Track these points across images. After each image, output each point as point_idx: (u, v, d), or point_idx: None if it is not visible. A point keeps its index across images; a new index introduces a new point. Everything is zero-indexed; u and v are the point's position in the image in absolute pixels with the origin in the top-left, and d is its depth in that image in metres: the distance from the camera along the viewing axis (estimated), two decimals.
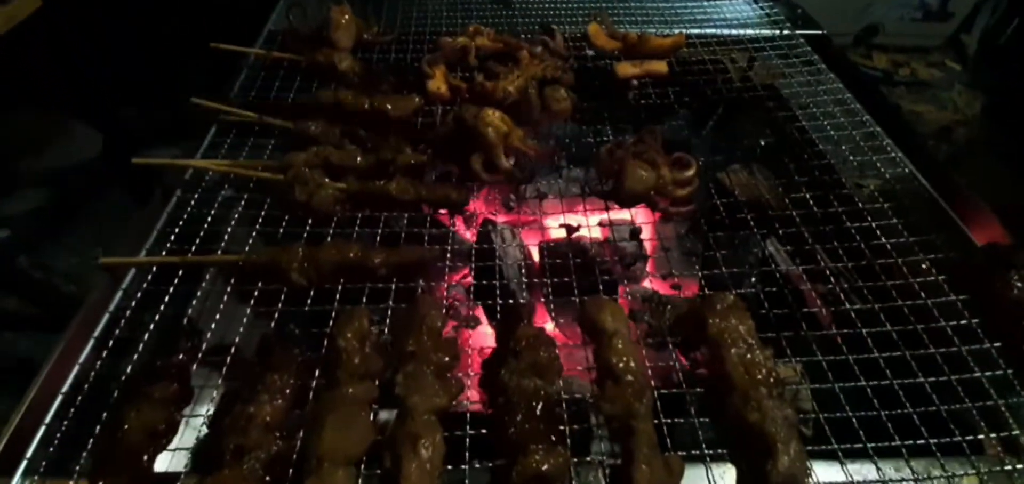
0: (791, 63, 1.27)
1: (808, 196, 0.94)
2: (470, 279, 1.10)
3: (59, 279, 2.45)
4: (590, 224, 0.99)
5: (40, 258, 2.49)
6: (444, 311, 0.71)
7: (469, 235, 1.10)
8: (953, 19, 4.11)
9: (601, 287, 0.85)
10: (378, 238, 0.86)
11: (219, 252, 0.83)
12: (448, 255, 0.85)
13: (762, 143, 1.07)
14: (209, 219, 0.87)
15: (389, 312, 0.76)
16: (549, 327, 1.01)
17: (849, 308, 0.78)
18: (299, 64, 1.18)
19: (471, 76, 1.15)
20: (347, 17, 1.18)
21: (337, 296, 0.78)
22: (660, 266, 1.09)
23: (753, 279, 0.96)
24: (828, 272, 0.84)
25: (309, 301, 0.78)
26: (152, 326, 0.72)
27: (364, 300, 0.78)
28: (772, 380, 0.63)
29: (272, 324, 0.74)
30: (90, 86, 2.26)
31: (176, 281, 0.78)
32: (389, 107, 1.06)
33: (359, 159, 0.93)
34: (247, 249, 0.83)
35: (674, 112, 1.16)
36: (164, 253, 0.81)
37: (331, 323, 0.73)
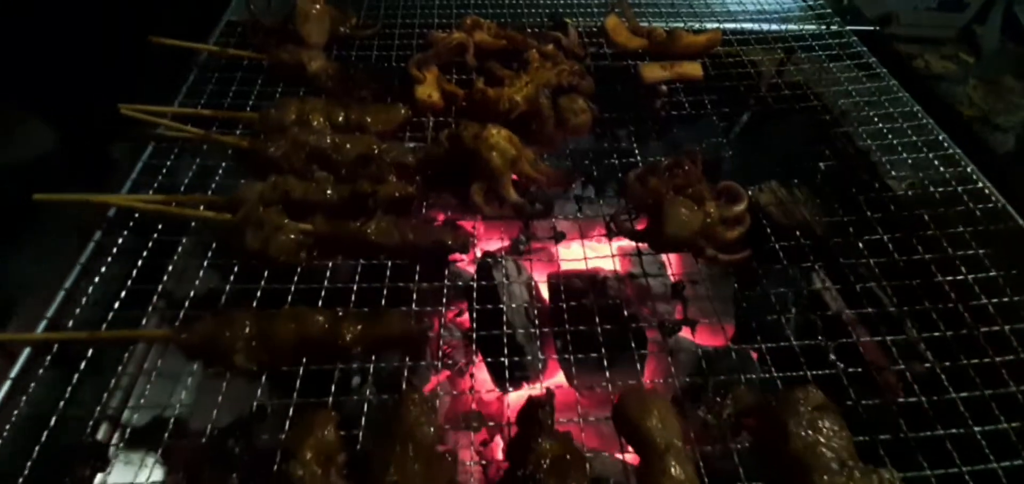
0: (844, 65, 1.08)
1: (884, 237, 0.76)
2: (466, 318, 0.93)
3: (14, 290, 2.23)
4: (611, 254, 0.81)
5: None
6: (435, 416, 0.53)
7: (466, 262, 0.91)
8: (968, 9, 3.93)
9: (634, 344, 0.68)
10: (353, 298, 0.68)
11: (145, 321, 0.64)
12: (443, 312, 0.66)
13: (822, 165, 0.89)
14: (136, 271, 0.68)
15: (365, 411, 0.58)
16: (560, 378, 0.85)
17: (955, 397, 0.61)
18: (261, 64, 0.97)
19: (469, 80, 0.96)
20: (319, 6, 0.98)
21: (297, 382, 0.60)
22: (686, 311, 0.91)
23: (790, 318, 0.79)
24: (921, 345, 0.67)
25: (264, 379, 0.59)
26: (46, 433, 0.54)
27: (333, 390, 0.59)
28: None
29: (210, 426, 0.56)
30: (39, 78, 2.02)
31: (84, 364, 0.59)
32: (369, 120, 0.87)
33: (329, 191, 0.73)
34: (182, 315, 0.64)
35: (713, 125, 0.97)
36: (71, 324, 0.62)
37: (288, 427, 0.55)
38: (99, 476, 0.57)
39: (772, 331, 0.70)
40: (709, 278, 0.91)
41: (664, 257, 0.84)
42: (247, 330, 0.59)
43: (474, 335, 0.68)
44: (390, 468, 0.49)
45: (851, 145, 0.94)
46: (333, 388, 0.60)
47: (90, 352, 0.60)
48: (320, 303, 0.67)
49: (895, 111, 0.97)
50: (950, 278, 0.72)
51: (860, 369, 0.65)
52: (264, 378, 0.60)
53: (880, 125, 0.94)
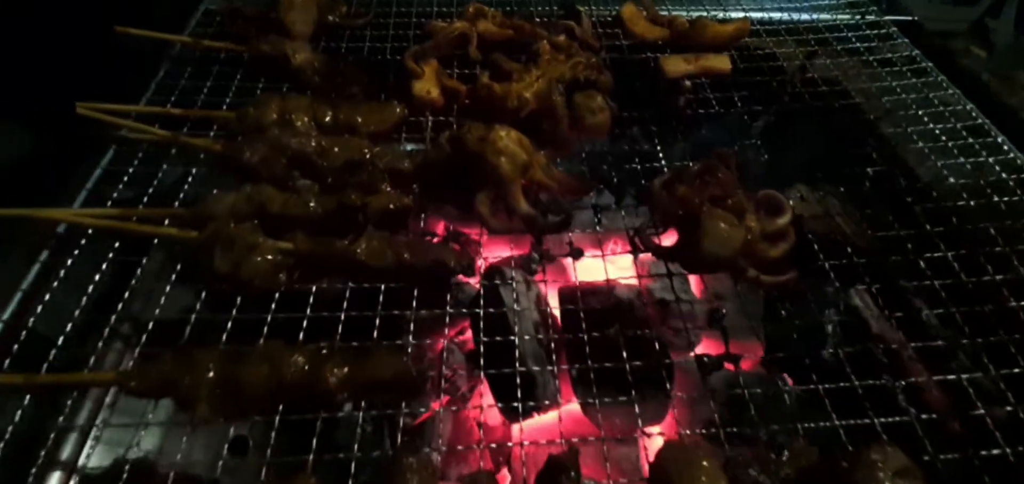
0: (884, 57, 0.98)
1: (948, 254, 0.67)
2: (469, 336, 0.84)
3: None
4: (631, 269, 0.72)
5: None
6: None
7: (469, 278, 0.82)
8: (982, 3, 3.83)
9: (664, 375, 0.58)
10: (339, 328, 0.58)
11: (92, 361, 0.54)
12: (445, 365, 0.57)
13: (870, 171, 0.79)
14: (85, 300, 0.58)
15: (353, 471, 0.48)
16: (574, 406, 0.75)
17: None
18: (241, 56, 0.87)
19: (473, 75, 0.86)
20: None
21: (272, 435, 0.50)
22: (727, 343, 0.81)
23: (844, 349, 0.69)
24: (1000, 385, 0.58)
25: (229, 440, 0.50)
26: None
27: (314, 442, 0.50)
28: None
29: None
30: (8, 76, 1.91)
31: (19, 415, 0.49)
32: (360, 120, 0.77)
33: (313, 203, 0.64)
34: (137, 353, 0.54)
35: (744, 124, 0.87)
36: (8, 363, 0.53)
37: None
38: None
39: (825, 366, 0.61)
40: (737, 295, 0.82)
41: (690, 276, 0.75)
42: (211, 373, 0.49)
43: (484, 364, 0.59)
44: None
45: (899, 147, 0.84)
46: (314, 442, 0.50)
47: (17, 416, 0.50)
48: (301, 335, 0.57)
49: (946, 110, 0.87)
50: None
51: (934, 415, 0.55)
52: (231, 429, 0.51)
53: (931, 125, 0.85)
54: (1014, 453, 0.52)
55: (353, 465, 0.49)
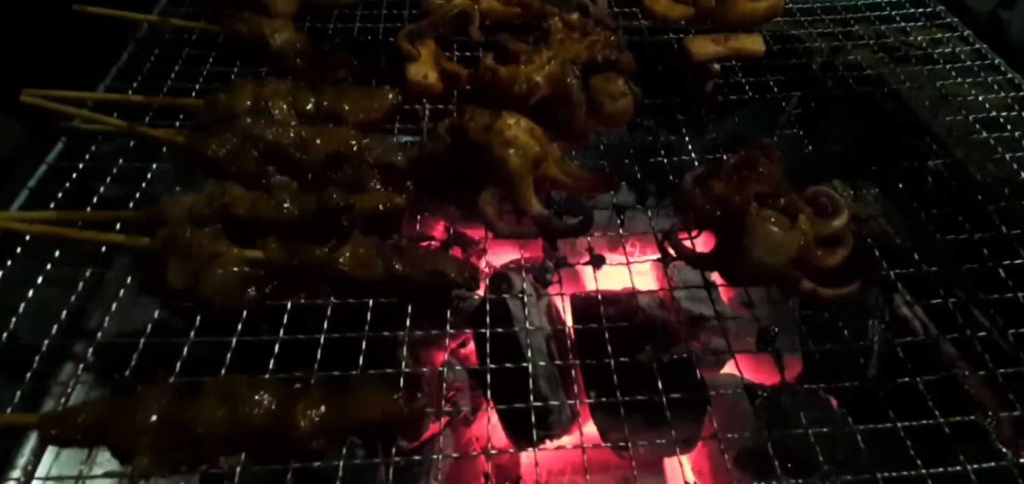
0: (937, 41, 0.88)
1: None
2: (472, 349, 0.74)
3: None
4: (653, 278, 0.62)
5: None
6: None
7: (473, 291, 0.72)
8: None
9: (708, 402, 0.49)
10: (319, 353, 0.49)
11: (18, 396, 0.44)
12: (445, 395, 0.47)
13: (931, 165, 0.69)
14: (13, 323, 0.48)
15: None
16: (590, 430, 0.66)
17: None
18: (214, 37, 0.77)
19: (475, 58, 0.76)
20: None
21: None
22: (745, 331, 0.71)
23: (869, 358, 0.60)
24: None
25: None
26: None
27: None
28: None
29: None
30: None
31: None
32: (347, 107, 0.67)
33: (287, 205, 0.54)
34: (71, 388, 0.45)
35: (782, 111, 0.78)
36: None
37: None
38: None
39: (906, 403, 0.51)
40: (768, 303, 0.72)
41: (714, 277, 0.65)
42: (154, 416, 0.40)
43: (486, 377, 0.50)
44: None
45: (959, 139, 0.74)
46: None
47: None
48: (272, 362, 0.48)
49: (1008, 96, 0.78)
50: None
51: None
52: None
53: (994, 113, 0.75)
54: None
55: None
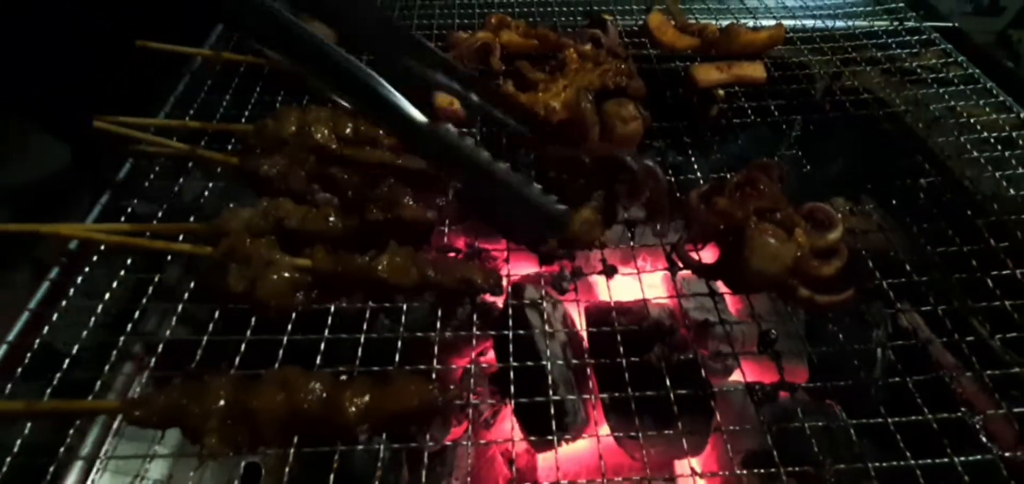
0: (932, 67, 0.93)
1: (1017, 272, 0.61)
2: (492, 358, 0.79)
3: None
4: (663, 288, 0.67)
5: None
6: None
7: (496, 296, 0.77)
8: (1004, 14, 3.76)
9: (711, 404, 0.53)
10: (359, 350, 0.54)
11: (99, 385, 0.51)
12: (471, 388, 0.52)
13: (924, 182, 0.74)
14: (94, 321, 0.55)
15: None
16: (603, 432, 0.70)
17: None
18: (260, 69, 0.86)
19: (496, 86, 0.82)
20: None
21: (286, 470, 0.46)
22: (749, 339, 0.75)
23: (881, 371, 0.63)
24: None
25: (240, 474, 0.46)
26: None
27: (331, 480, 0.46)
28: None
29: None
30: (47, 93, 1.95)
31: (18, 445, 0.46)
32: (381, 131, 0.74)
33: (332, 219, 0.60)
34: (144, 377, 0.51)
35: (783, 134, 0.83)
36: (9, 388, 0.50)
37: None
38: None
39: (891, 396, 0.55)
40: (775, 314, 0.76)
41: (722, 288, 0.69)
42: (222, 401, 0.46)
43: (512, 391, 0.55)
44: None
45: (952, 158, 0.79)
46: (332, 478, 0.46)
47: (16, 446, 0.47)
48: (319, 358, 0.53)
49: (1000, 118, 0.82)
50: None
51: (1020, 454, 0.49)
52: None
53: (985, 134, 0.79)
54: None
55: None
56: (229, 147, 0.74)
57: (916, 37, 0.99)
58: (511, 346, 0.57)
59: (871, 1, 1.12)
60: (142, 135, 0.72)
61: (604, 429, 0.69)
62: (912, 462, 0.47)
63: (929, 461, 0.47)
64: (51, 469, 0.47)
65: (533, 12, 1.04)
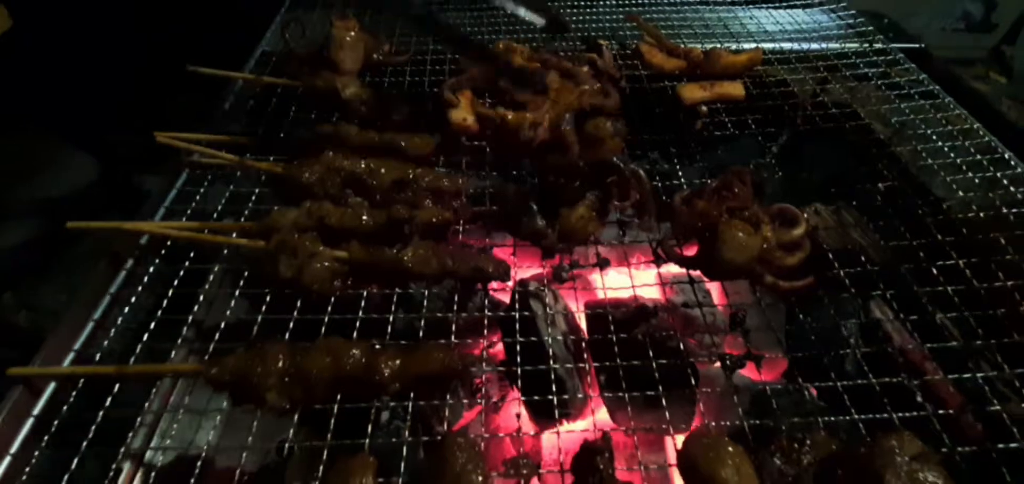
0: (892, 82, 1.03)
1: (958, 262, 0.70)
2: (500, 348, 0.88)
3: (46, 320, 2.27)
4: (651, 283, 0.76)
5: (26, 296, 2.31)
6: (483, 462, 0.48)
7: (499, 291, 0.87)
8: (997, 30, 3.87)
9: (693, 381, 0.62)
10: (388, 329, 0.64)
11: (174, 353, 0.61)
12: (484, 359, 0.62)
13: (881, 187, 0.83)
14: (165, 303, 0.65)
15: (405, 453, 0.53)
16: (603, 416, 0.79)
17: None
18: (295, 90, 0.97)
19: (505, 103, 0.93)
20: (353, 34, 0.97)
21: (332, 421, 0.56)
22: (749, 344, 0.84)
23: (862, 352, 0.72)
24: (1015, 382, 0.60)
25: (296, 419, 0.55)
26: (66, 478, 0.50)
27: (369, 429, 0.55)
28: None
29: (239, 473, 0.52)
30: (76, 109, 2.09)
31: (111, 397, 0.56)
32: (403, 144, 0.84)
33: (364, 218, 0.71)
34: (212, 348, 0.61)
35: (754, 143, 0.93)
36: (99, 357, 0.60)
37: (321, 473, 0.50)
38: None
39: (844, 367, 0.64)
40: (759, 307, 0.86)
41: (708, 285, 0.79)
42: (280, 364, 0.55)
43: (517, 367, 0.64)
44: None
45: (910, 165, 0.88)
46: (369, 428, 0.55)
47: (116, 387, 0.57)
48: (354, 334, 0.63)
49: (954, 129, 0.92)
50: None
51: (951, 411, 0.58)
52: (296, 417, 0.56)
53: (940, 143, 0.89)
54: None
55: (404, 448, 0.54)
56: (271, 158, 0.85)
57: (883, 57, 1.09)
58: (517, 325, 0.67)
59: (844, 26, 1.22)
60: (196, 148, 0.83)
61: (602, 414, 0.78)
62: (856, 416, 0.56)
63: (871, 416, 0.56)
64: (138, 419, 0.57)
65: (537, 37, 1.15)
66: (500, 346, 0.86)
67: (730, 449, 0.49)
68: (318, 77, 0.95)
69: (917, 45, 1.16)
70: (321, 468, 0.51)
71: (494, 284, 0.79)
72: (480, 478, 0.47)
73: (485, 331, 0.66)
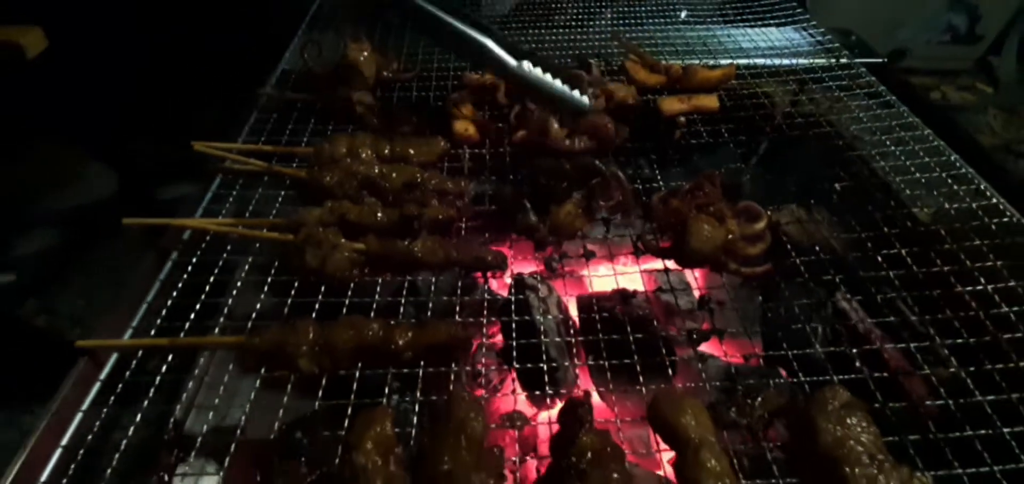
0: (854, 94, 1.14)
1: (901, 251, 0.79)
2: (499, 338, 0.97)
3: (64, 323, 2.36)
4: (641, 283, 0.86)
5: (47, 302, 2.41)
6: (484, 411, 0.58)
7: (495, 284, 0.96)
8: (982, 42, 4.00)
9: (668, 363, 0.72)
10: (401, 310, 0.74)
11: (217, 330, 0.71)
12: (483, 321, 0.71)
13: (837, 186, 0.93)
14: (208, 287, 0.75)
15: (416, 409, 0.63)
16: (594, 398, 0.88)
17: (982, 400, 0.63)
18: (314, 105, 1.08)
19: (502, 115, 1.04)
20: (366, 54, 1.09)
21: (354, 385, 0.65)
22: (713, 323, 0.94)
23: (823, 342, 0.81)
24: (943, 349, 0.69)
25: (321, 391, 0.65)
26: (132, 429, 0.60)
27: (386, 390, 0.65)
28: None
29: (276, 425, 0.61)
30: (102, 123, 2.20)
31: (165, 367, 0.66)
32: (411, 151, 0.95)
33: (380, 215, 0.81)
34: (249, 325, 0.70)
35: (727, 151, 1.03)
36: (153, 332, 0.69)
37: (347, 423, 0.60)
38: (179, 466, 0.62)
39: (797, 340, 0.73)
40: (736, 298, 0.95)
41: (690, 279, 0.89)
42: (310, 336, 0.65)
43: (514, 348, 0.73)
44: (444, 458, 0.54)
45: (866, 168, 0.99)
46: (386, 391, 0.65)
47: (164, 369, 0.66)
48: (371, 316, 0.73)
49: (907, 135, 1.02)
50: (970, 288, 0.74)
51: (885, 374, 0.67)
52: (320, 391, 0.65)
53: (893, 149, 0.99)
54: (955, 404, 0.64)
55: (417, 405, 0.64)
56: (293, 164, 0.95)
57: (847, 72, 1.20)
58: (513, 307, 0.77)
59: (814, 43, 1.33)
60: (228, 155, 0.93)
61: (595, 396, 0.87)
62: (802, 379, 0.66)
63: (815, 378, 0.66)
64: (190, 384, 0.66)
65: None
66: (499, 338, 0.95)
67: (689, 401, 0.59)
68: (334, 93, 1.06)
69: (879, 60, 1.27)
70: (346, 421, 0.61)
71: (493, 284, 0.89)
72: (480, 426, 0.57)
73: (485, 318, 0.76)
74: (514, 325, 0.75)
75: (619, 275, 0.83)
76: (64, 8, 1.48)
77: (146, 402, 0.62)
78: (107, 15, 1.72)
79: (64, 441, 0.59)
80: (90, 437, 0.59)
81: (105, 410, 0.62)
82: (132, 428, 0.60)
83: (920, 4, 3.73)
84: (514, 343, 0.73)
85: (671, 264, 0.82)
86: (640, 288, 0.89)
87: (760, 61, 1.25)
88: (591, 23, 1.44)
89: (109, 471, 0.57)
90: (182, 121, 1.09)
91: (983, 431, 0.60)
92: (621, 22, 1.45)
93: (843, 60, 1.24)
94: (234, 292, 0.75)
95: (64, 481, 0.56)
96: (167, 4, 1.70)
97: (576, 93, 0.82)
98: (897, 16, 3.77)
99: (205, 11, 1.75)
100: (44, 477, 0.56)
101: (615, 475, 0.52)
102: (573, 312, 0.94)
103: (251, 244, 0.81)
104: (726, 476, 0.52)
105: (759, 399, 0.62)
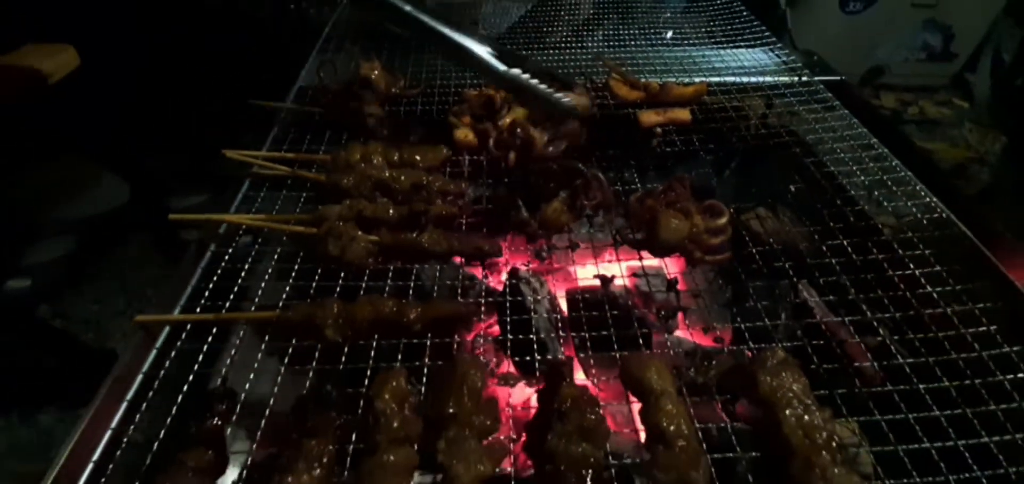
0: (812, 108, 1.28)
1: (845, 242, 0.92)
2: (496, 330, 1.09)
3: (78, 328, 2.46)
4: (620, 273, 0.98)
5: (61, 307, 2.50)
6: (484, 369, 0.69)
7: (492, 281, 1.09)
8: (957, 60, 4.19)
9: (641, 340, 0.83)
10: (410, 291, 0.86)
11: (252, 308, 0.82)
12: (482, 306, 0.83)
13: (792, 188, 1.06)
14: (242, 274, 0.87)
15: (426, 370, 0.74)
16: (581, 378, 0.99)
17: (902, 362, 0.75)
18: (329, 118, 1.20)
19: (497, 126, 1.16)
20: (377, 72, 1.22)
21: (372, 353, 0.76)
22: (692, 314, 1.06)
23: (785, 326, 0.93)
24: (874, 322, 0.82)
25: (343, 359, 0.76)
26: (185, 388, 0.71)
27: (399, 357, 0.76)
28: (834, 444, 0.60)
29: (307, 383, 0.73)
30: (119, 137, 2.33)
31: (209, 339, 0.77)
32: (417, 158, 1.07)
33: (391, 211, 0.93)
34: (280, 305, 0.82)
35: (700, 158, 1.16)
36: (198, 310, 0.81)
37: (367, 383, 0.71)
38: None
39: (751, 316, 0.85)
40: (709, 292, 1.08)
41: (664, 271, 1.01)
42: (335, 311, 0.77)
43: (508, 327, 0.85)
44: (450, 404, 0.65)
45: (818, 171, 1.12)
46: (399, 357, 0.76)
47: (205, 346, 0.76)
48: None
49: (855, 143, 1.15)
50: (900, 272, 0.87)
51: (821, 342, 0.79)
52: (341, 364, 0.76)
53: (842, 154, 1.12)
54: (880, 366, 0.76)
55: (425, 370, 0.75)
56: (312, 170, 1.08)
57: (808, 89, 1.34)
58: (507, 291, 0.88)
59: (780, 63, 1.48)
60: (255, 161, 1.05)
61: (580, 375, 0.98)
62: (751, 346, 0.78)
63: (762, 345, 0.78)
64: (227, 362, 0.77)
65: None
66: (496, 329, 1.07)
67: (655, 362, 0.71)
68: (348, 107, 1.18)
69: (837, 78, 1.41)
70: (366, 381, 0.72)
71: (490, 281, 1.01)
72: (480, 382, 0.68)
73: (483, 308, 0.87)
74: (508, 306, 0.86)
75: (600, 264, 0.95)
76: (91, 29, 1.62)
77: (196, 365, 0.74)
78: (125, 32, 1.86)
79: (128, 395, 0.70)
80: (150, 394, 0.70)
81: (162, 372, 0.73)
82: (186, 385, 0.71)
83: (895, 25, 3.92)
84: (508, 321, 0.85)
85: (648, 259, 0.94)
86: (619, 275, 1.02)
87: (730, 79, 1.39)
88: (580, 45, 1.58)
89: (169, 419, 0.68)
90: (195, 135, 1.22)
91: (902, 386, 0.72)
92: (607, 46, 1.59)
93: (805, 78, 1.38)
94: (265, 276, 0.87)
95: (131, 427, 0.67)
96: (177, 20, 1.84)
97: (560, 96, 0.93)
98: (874, 36, 3.97)
99: (215, 25, 1.89)
100: (114, 423, 0.67)
101: (591, 415, 0.63)
102: (562, 304, 1.06)
103: (279, 237, 0.93)
104: (682, 418, 0.64)
105: (714, 361, 0.74)
